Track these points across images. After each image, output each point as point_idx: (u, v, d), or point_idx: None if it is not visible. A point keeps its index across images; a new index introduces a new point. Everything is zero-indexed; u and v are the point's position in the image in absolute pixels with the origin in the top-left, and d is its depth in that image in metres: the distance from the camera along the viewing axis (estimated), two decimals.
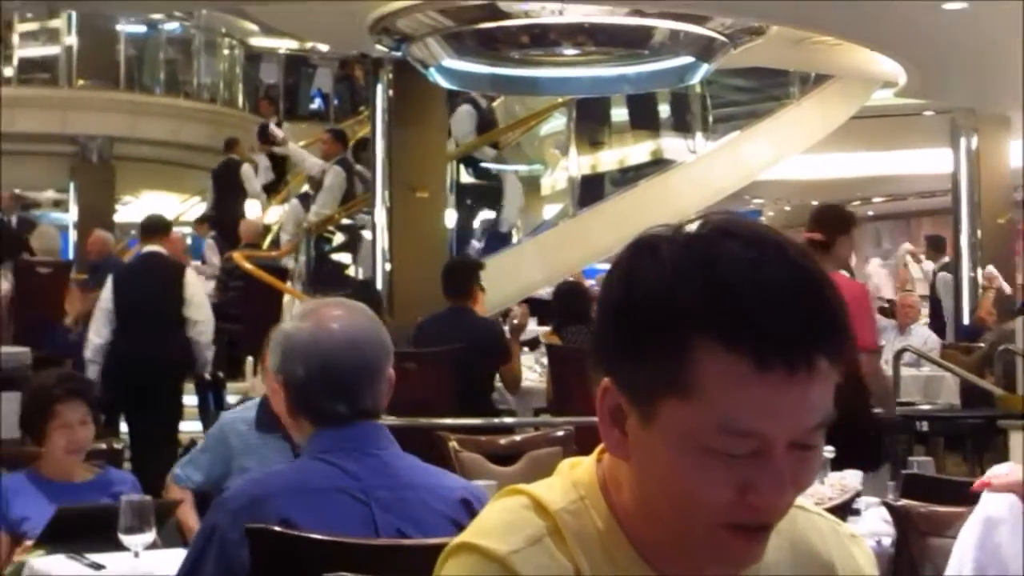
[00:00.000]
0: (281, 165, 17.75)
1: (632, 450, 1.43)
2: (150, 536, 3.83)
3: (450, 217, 13.73)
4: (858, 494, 4.73)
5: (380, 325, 2.99)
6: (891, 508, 4.17)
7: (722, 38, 11.04)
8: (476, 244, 14.44)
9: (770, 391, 1.34)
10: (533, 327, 11.70)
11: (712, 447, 1.36)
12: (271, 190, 17.12)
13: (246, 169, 16.09)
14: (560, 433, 6.68)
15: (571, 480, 1.51)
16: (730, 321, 1.34)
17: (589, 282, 14.86)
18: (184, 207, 19.53)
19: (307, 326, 2.92)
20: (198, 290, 9.96)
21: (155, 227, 10.36)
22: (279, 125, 17.96)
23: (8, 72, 18.89)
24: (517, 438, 6.88)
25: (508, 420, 9.19)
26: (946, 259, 15.60)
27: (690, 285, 1.35)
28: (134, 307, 9.38)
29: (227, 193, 16.13)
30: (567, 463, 1.55)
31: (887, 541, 4.28)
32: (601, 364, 1.44)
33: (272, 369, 2.97)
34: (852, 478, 4.88)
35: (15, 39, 19.11)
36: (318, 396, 2.89)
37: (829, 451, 4.55)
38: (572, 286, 11.24)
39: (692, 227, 1.41)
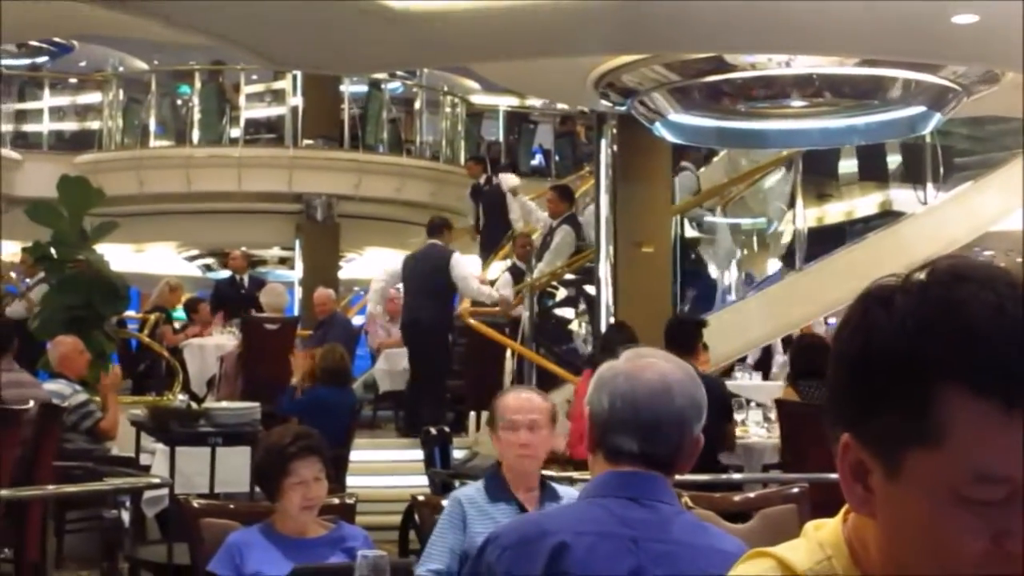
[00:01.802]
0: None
1: (878, 506, 1.40)
2: None
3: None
4: None
5: (698, 386, 2.99)
6: None
7: (955, 86, 10.77)
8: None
9: (1021, 434, 1.30)
10: (765, 383, 11.51)
11: (964, 495, 1.32)
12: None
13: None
14: (795, 490, 6.50)
15: (816, 541, 1.50)
16: (977, 366, 1.31)
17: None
18: None
19: (624, 366, 2.96)
20: (460, 261, 13.13)
21: (438, 225, 13.55)
22: (489, 181, 17.91)
23: (236, 133, 19.35)
24: (750, 495, 6.73)
25: (737, 476, 9.05)
26: None
27: (931, 333, 1.33)
28: (418, 283, 13.06)
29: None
30: (812, 524, 1.54)
31: None
32: (840, 420, 1.42)
33: (586, 400, 3.01)
34: None
35: (242, 101, 19.59)
36: (615, 430, 2.91)
37: None
38: (811, 340, 11.00)
39: (922, 274, 1.39)
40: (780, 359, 14.70)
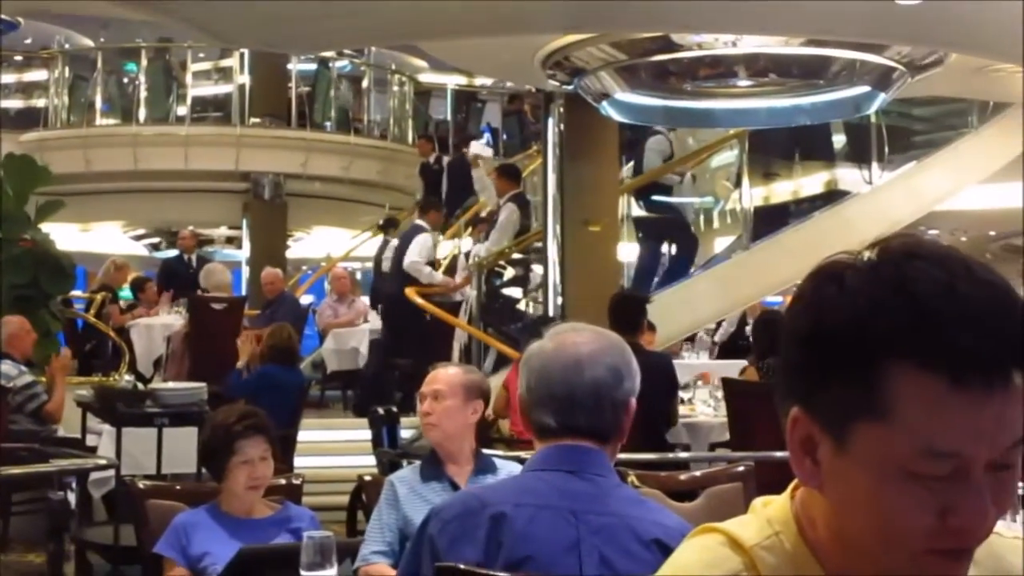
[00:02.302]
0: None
1: (826, 479, 1.42)
2: (332, 572, 3.79)
3: (626, 250, 13.68)
4: None
5: (625, 355, 3.04)
6: None
7: (900, 67, 10.82)
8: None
9: (968, 409, 1.33)
10: (714, 361, 11.58)
11: (910, 470, 1.35)
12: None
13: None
14: (740, 469, 6.54)
15: (765, 517, 1.51)
16: (926, 341, 1.33)
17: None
18: (354, 243, 19.72)
19: (547, 344, 3.02)
20: (412, 246, 13.86)
21: (423, 207, 14.74)
22: (439, 160, 18.01)
23: (183, 111, 19.25)
24: (697, 474, 6.76)
25: (684, 455, 9.09)
26: None
27: (881, 309, 1.35)
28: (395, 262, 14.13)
29: None
30: (759, 501, 1.56)
31: None
32: (790, 395, 1.43)
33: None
34: None
35: (189, 79, 19.49)
36: (534, 408, 2.99)
37: None
38: (771, 316, 11.04)
39: (874, 252, 1.41)
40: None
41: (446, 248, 16.48)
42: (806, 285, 1.43)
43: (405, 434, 10.57)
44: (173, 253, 18.06)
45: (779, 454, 7.94)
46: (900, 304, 1.34)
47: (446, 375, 4.94)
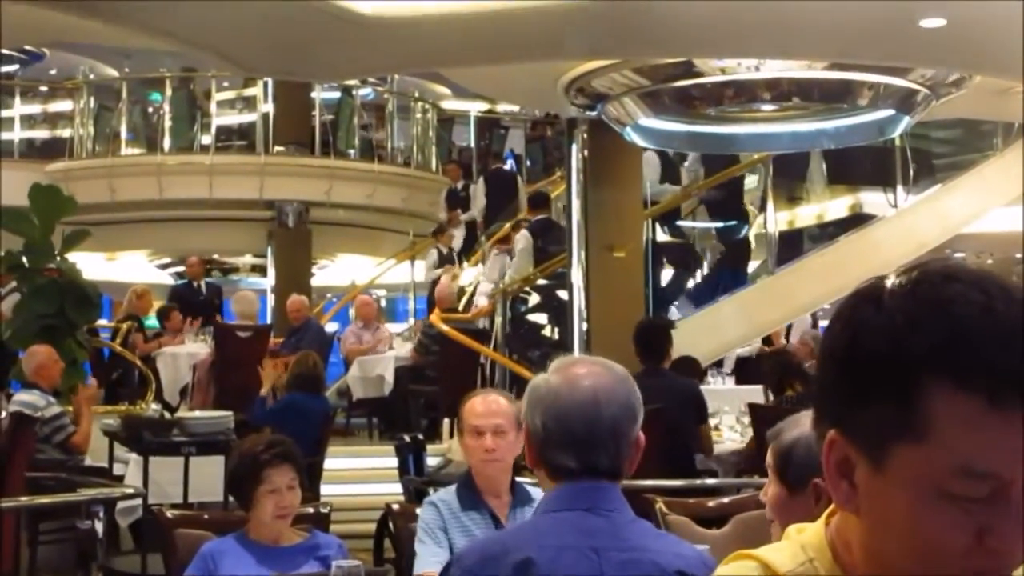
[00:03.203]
0: (473, 228, 17.99)
1: (863, 502, 1.41)
2: None
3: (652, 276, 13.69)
4: None
5: (631, 387, 3.00)
6: None
7: (924, 90, 10.81)
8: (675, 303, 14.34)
9: (1006, 429, 1.31)
10: (739, 387, 11.58)
11: (948, 491, 1.33)
12: (465, 252, 17.28)
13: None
14: None
15: (799, 543, 1.51)
16: (963, 361, 1.32)
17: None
18: (379, 270, 19.74)
19: (554, 379, 2.98)
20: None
21: (541, 199, 14.95)
22: (467, 188, 18.21)
23: (207, 140, 19.31)
24: (725, 500, 6.74)
25: (711, 481, 9.06)
26: None
27: (919, 329, 1.34)
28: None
29: None
30: (794, 528, 1.56)
31: None
32: (827, 416, 1.43)
33: (519, 416, 3.03)
34: None
35: (213, 107, 19.55)
36: (551, 449, 2.94)
37: None
38: (783, 353, 11.11)
39: (912, 274, 1.40)
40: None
41: (470, 275, 16.50)
42: (844, 305, 1.43)
43: (431, 461, 10.56)
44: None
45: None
46: (938, 323, 1.33)
47: (502, 407, 4.73)
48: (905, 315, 1.35)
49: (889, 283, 1.41)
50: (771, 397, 9.73)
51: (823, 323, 15.55)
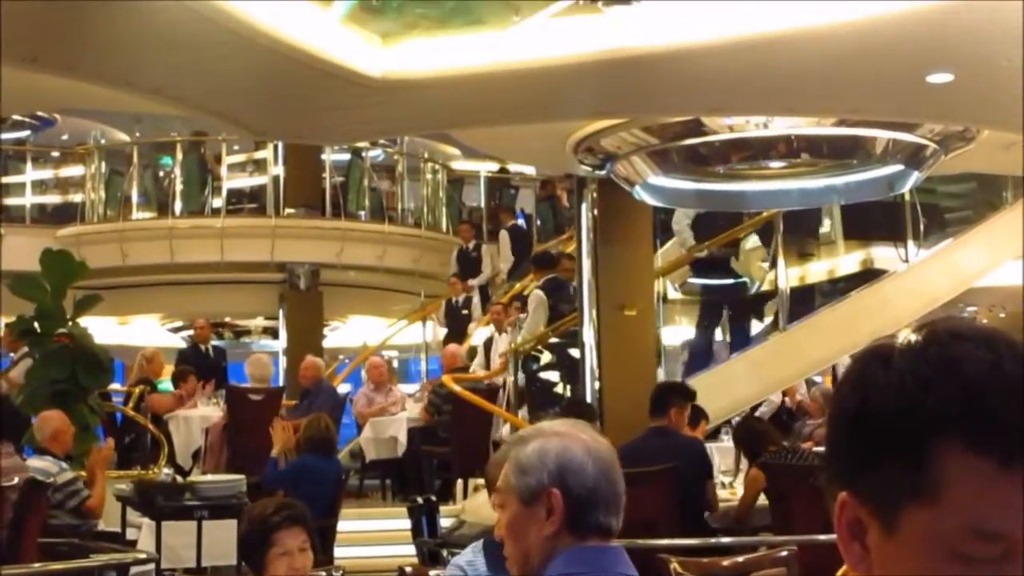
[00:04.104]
0: (484, 290, 18.03)
1: (876, 564, 1.38)
2: None
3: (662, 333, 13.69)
4: None
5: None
6: None
7: (932, 145, 10.83)
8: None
9: (1018, 490, 1.30)
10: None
11: (960, 552, 1.31)
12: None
13: None
14: (784, 553, 6.49)
15: None
16: (974, 421, 1.31)
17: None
18: (390, 331, 19.75)
19: (584, 439, 2.95)
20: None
21: (547, 259, 15.25)
22: (478, 248, 18.29)
23: (218, 203, 19.36)
24: (739, 559, 6.71)
25: (726, 540, 9.02)
26: None
27: (929, 389, 1.33)
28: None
29: None
30: None
31: None
32: (838, 477, 1.41)
33: (538, 484, 2.92)
34: None
35: (224, 171, 19.62)
36: (591, 509, 2.90)
37: None
38: (754, 422, 11.18)
39: (920, 333, 1.39)
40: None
41: (483, 333, 16.50)
42: (854, 366, 1.42)
43: (445, 522, 10.53)
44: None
45: (822, 537, 7.89)
46: (947, 383, 1.32)
47: None
48: (914, 375, 1.34)
49: (898, 343, 1.40)
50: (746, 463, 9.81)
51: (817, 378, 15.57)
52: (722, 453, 11.41)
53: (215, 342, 18.38)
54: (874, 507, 1.37)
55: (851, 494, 1.39)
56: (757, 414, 15.15)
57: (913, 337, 1.40)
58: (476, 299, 17.82)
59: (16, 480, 8.22)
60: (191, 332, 19.24)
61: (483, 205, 22.30)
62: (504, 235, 18.80)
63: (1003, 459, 1.30)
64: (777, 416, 15.11)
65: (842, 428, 1.41)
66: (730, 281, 15.01)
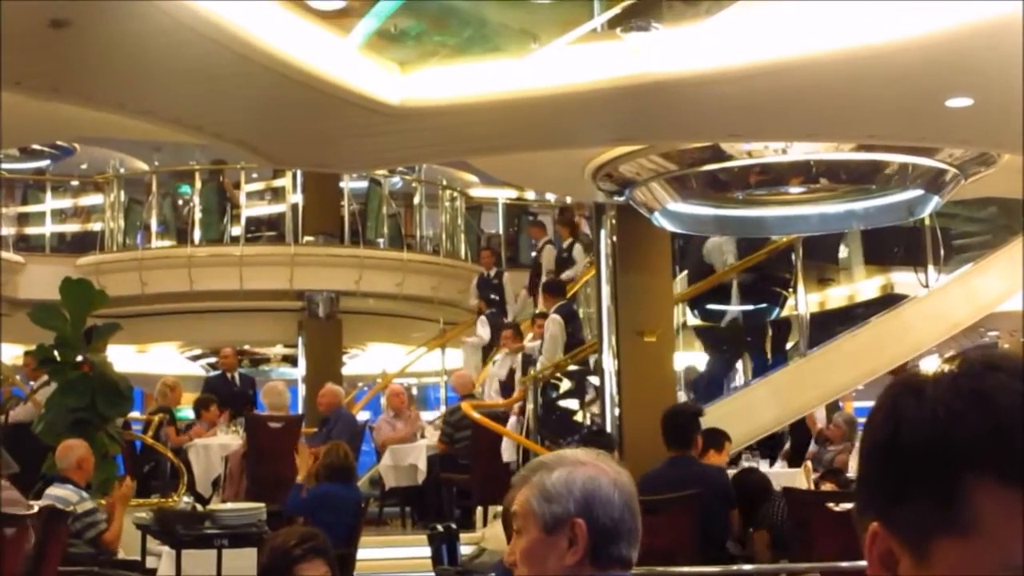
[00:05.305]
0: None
1: None
2: None
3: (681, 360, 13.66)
4: None
5: None
6: None
7: (952, 169, 10.80)
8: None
9: None
10: (773, 470, 11.51)
11: None
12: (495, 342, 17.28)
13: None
14: None
15: None
16: (1006, 455, 1.29)
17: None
18: (409, 358, 19.75)
19: (598, 474, 2.93)
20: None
21: (557, 287, 15.28)
22: (500, 275, 18.29)
23: (237, 231, 19.40)
24: None
25: (747, 568, 8.99)
26: None
27: (960, 422, 1.31)
28: None
29: None
30: None
31: None
32: (869, 508, 1.40)
33: (564, 513, 2.90)
34: None
35: (243, 199, 19.66)
36: (620, 541, 2.90)
37: None
38: (749, 474, 11.08)
39: (953, 364, 1.37)
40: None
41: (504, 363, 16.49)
42: (885, 398, 1.41)
43: (465, 550, 10.50)
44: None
45: (843, 564, 7.87)
46: (979, 416, 1.31)
47: None
48: (947, 407, 1.33)
49: (930, 374, 1.39)
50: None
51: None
52: None
53: (241, 370, 18.39)
54: (905, 539, 1.36)
55: (882, 525, 1.38)
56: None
57: (946, 368, 1.38)
58: (487, 331, 17.76)
59: (36, 508, 8.21)
60: (214, 360, 19.28)
61: (501, 232, 22.31)
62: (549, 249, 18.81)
63: None
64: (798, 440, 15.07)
65: (874, 459, 1.40)
66: (750, 307, 14.99)
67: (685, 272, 14.87)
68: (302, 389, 18.50)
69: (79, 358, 11.84)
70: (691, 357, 14.82)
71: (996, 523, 1.29)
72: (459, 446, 14.20)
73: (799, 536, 9.00)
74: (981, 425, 1.30)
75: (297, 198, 19.41)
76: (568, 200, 19.38)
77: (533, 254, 18.81)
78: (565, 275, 17.15)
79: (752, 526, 9.49)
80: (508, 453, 13.56)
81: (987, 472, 1.29)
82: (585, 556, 2.89)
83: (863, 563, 1.41)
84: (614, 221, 12.69)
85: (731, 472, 10.32)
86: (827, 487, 11.02)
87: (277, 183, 20.01)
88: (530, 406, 13.56)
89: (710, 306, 14.35)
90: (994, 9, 7.24)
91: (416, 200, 21.08)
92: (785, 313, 14.65)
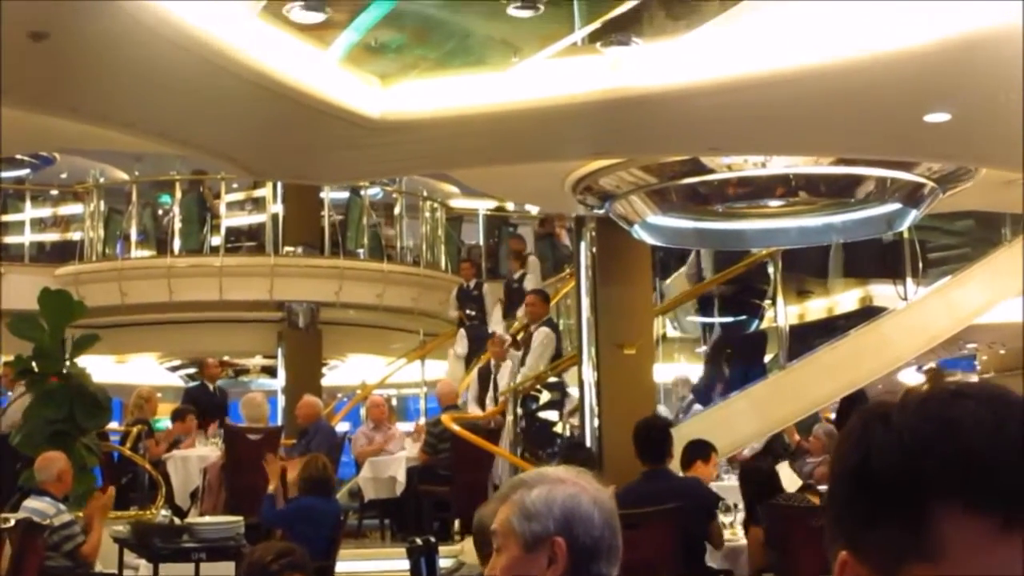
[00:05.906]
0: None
1: None
2: None
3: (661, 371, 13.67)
4: None
5: None
6: None
7: (930, 183, 10.84)
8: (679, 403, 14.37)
9: (1018, 553, 1.28)
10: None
11: None
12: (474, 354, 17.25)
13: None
14: None
15: None
16: (974, 482, 1.29)
17: None
18: (389, 369, 19.72)
19: (578, 492, 2.93)
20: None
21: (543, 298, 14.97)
22: (480, 286, 18.28)
23: (217, 242, 19.36)
24: None
25: None
26: None
27: (928, 449, 1.31)
28: None
29: None
30: None
31: None
32: (839, 535, 1.40)
33: (544, 531, 2.91)
34: None
35: (223, 209, 19.62)
36: (600, 560, 2.91)
37: None
38: (754, 467, 11.10)
39: (922, 391, 1.38)
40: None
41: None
42: (854, 424, 1.41)
43: (444, 563, 10.48)
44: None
45: None
46: (947, 443, 1.31)
47: None
48: (913, 434, 1.33)
49: (898, 401, 1.39)
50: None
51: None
52: (723, 493, 11.37)
53: (219, 381, 18.38)
54: (875, 566, 1.36)
55: (852, 552, 1.38)
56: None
57: (914, 394, 1.38)
58: (463, 343, 17.75)
59: (11, 522, 8.19)
60: (192, 371, 19.24)
61: (482, 243, 22.30)
62: (534, 260, 18.74)
63: (1004, 523, 1.28)
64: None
65: (843, 486, 1.40)
66: (730, 319, 15.02)
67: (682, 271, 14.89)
68: (281, 400, 18.46)
69: (58, 369, 11.81)
70: (671, 369, 14.83)
71: (964, 549, 1.29)
72: (442, 456, 14.18)
73: (778, 551, 9.02)
74: (949, 452, 1.31)
75: (278, 208, 19.36)
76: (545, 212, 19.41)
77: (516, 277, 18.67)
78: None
79: (751, 522, 9.50)
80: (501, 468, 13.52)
81: (955, 499, 1.29)
82: (565, 574, 2.89)
83: None
84: (594, 233, 12.71)
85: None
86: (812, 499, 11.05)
87: (257, 193, 19.95)
88: (510, 418, 13.55)
89: (691, 318, 14.35)
90: (972, 25, 7.28)
91: (396, 211, 21.05)
92: (764, 325, 14.69)
